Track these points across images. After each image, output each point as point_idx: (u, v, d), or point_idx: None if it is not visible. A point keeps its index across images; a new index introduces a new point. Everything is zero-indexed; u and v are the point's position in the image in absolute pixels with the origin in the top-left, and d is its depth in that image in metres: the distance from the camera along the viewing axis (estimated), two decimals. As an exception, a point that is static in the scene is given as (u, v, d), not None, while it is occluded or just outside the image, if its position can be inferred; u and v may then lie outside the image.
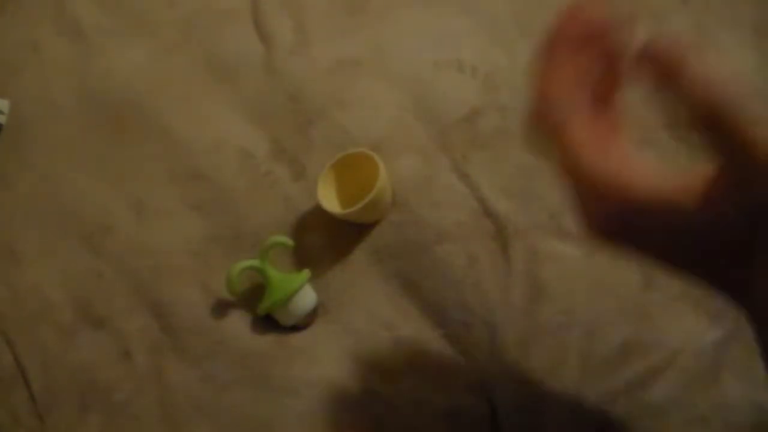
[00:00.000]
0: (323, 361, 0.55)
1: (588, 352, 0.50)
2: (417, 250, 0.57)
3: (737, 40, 0.61)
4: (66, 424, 0.56)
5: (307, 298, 0.56)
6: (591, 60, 0.35)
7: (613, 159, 0.32)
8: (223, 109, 0.69)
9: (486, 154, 0.60)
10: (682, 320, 0.50)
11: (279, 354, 0.56)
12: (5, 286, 0.63)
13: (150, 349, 0.58)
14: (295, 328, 0.57)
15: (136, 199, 0.65)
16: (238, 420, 0.54)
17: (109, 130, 0.70)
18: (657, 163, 0.33)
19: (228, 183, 0.64)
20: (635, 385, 0.49)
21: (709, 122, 0.28)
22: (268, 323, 0.57)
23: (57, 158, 0.69)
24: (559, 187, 0.35)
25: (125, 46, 0.75)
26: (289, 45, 0.71)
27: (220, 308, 0.59)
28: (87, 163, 0.69)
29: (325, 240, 0.60)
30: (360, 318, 0.56)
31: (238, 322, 0.58)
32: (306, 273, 0.57)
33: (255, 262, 0.56)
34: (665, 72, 0.29)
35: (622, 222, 0.32)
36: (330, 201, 0.59)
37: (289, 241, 0.57)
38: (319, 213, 0.58)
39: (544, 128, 0.34)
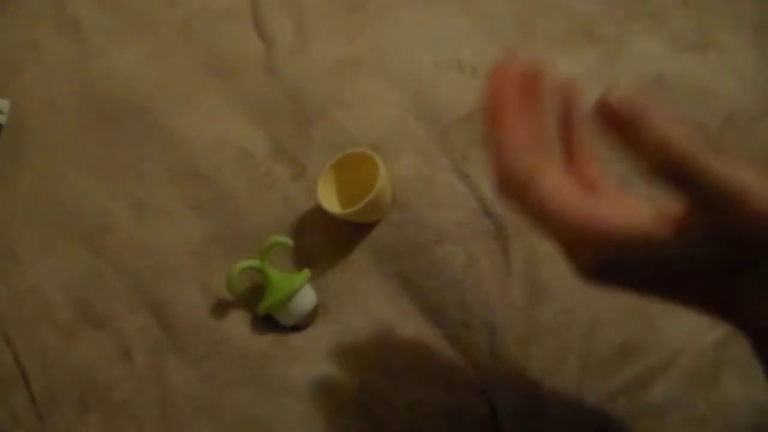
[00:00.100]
0: (323, 361, 0.55)
1: (588, 352, 0.50)
2: (417, 250, 0.57)
3: (737, 40, 0.61)
4: (66, 424, 0.56)
5: (307, 298, 0.56)
6: (540, 113, 0.36)
7: (584, 203, 0.33)
8: (223, 109, 0.69)
9: (486, 154, 0.60)
10: (682, 320, 0.50)
11: (279, 354, 0.56)
12: (5, 286, 0.63)
13: (150, 349, 0.58)
14: (295, 328, 0.57)
15: (136, 199, 0.65)
16: (238, 420, 0.53)
17: (110, 130, 0.70)
18: (630, 195, 0.33)
19: (228, 183, 0.64)
20: (635, 385, 0.49)
21: (671, 174, 0.29)
22: (268, 323, 0.57)
23: (57, 158, 0.69)
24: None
25: (125, 46, 0.75)
26: (289, 45, 0.71)
27: (220, 308, 0.59)
28: (87, 163, 0.69)
29: (325, 240, 0.60)
30: (360, 318, 0.56)
31: (238, 322, 0.58)
32: (306, 273, 0.57)
33: (255, 262, 0.56)
34: (621, 128, 0.30)
35: (604, 262, 0.32)
36: (330, 201, 0.59)
37: (289, 241, 0.57)
38: (319, 213, 0.58)
39: (511, 187, 0.34)
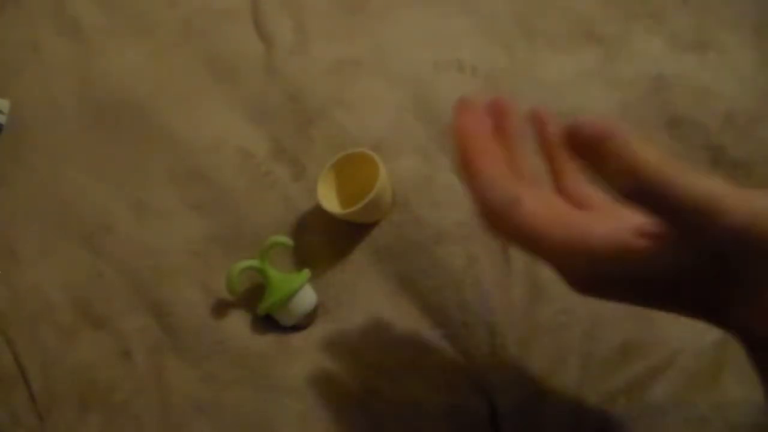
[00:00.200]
0: (323, 361, 0.55)
1: (588, 352, 0.50)
2: (417, 250, 0.57)
3: (737, 40, 0.61)
4: (66, 424, 0.55)
5: (307, 298, 0.56)
6: (512, 144, 0.38)
7: (564, 221, 0.33)
8: (223, 109, 0.69)
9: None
10: (682, 320, 0.50)
11: (279, 354, 0.56)
12: (5, 286, 0.63)
13: (150, 349, 0.58)
14: (295, 328, 0.57)
15: (136, 199, 0.65)
16: (238, 420, 0.53)
17: (110, 130, 0.70)
18: (623, 208, 0.34)
19: (228, 183, 0.64)
20: (635, 385, 0.48)
21: (640, 196, 0.29)
22: (268, 323, 0.57)
23: (57, 158, 0.69)
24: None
25: (125, 46, 0.75)
26: (289, 45, 0.71)
27: (220, 308, 0.59)
28: (87, 163, 0.69)
29: (325, 240, 0.60)
30: (360, 318, 0.56)
31: (238, 322, 0.58)
32: (306, 273, 0.57)
33: (255, 262, 0.56)
34: (587, 154, 0.30)
35: (592, 277, 0.33)
36: (330, 201, 0.59)
37: (289, 241, 0.57)
38: (319, 213, 0.58)
39: (492, 218, 0.35)
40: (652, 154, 0.29)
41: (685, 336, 0.49)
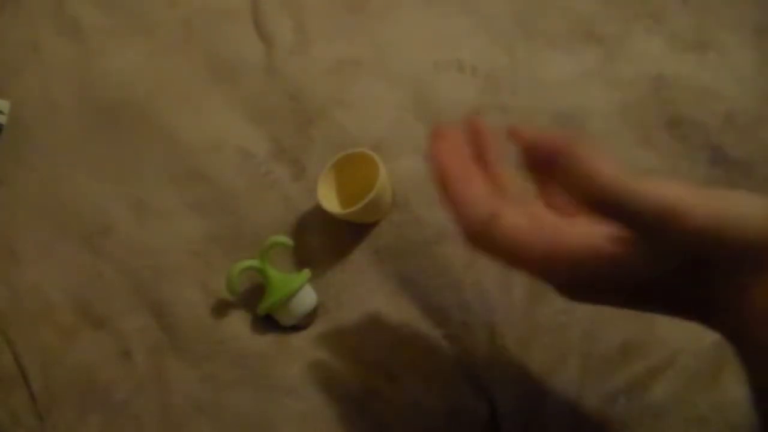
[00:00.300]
0: (323, 361, 0.55)
1: (588, 352, 0.50)
2: (417, 250, 0.57)
3: (737, 41, 0.61)
4: (66, 424, 0.55)
5: (307, 298, 0.56)
6: (489, 163, 0.39)
7: (543, 232, 0.34)
8: (223, 109, 0.69)
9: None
10: (682, 321, 0.50)
11: (279, 354, 0.56)
12: (5, 286, 0.63)
13: (150, 349, 0.58)
14: (295, 328, 0.57)
15: (136, 199, 0.65)
16: (238, 420, 0.53)
17: (109, 130, 0.70)
18: (587, 218, 0.34)
19: (228, 183, 0.64)
20: (635, 385, 0.49)
21: (602, 206, 0.30)
22: (268, 323, 0.57)
23: (57, 158, 0.69)
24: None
25: (125, 46, 0.75)
26: (289, 45, 0.71)
27: (220, 308, 0.59)
28: (87, 163, 0.69)
29: (325, 240, 0.60)
30: (360, 318, 0.56)
31: (238, 322, 0.58)
32: (306, 273, 0.57)
33: (255, 262, 0.56)
34: (549, 172, 0.31)
35: (575, 283, 0.34)
36: (330, 201, 0.59)
37: (289, 241, 0.57)
38: (319, 213, 0.58)
39: (474, 238, 0.36)
40: (607, 166, 0.29)
41: (685, 336, 0.49)
